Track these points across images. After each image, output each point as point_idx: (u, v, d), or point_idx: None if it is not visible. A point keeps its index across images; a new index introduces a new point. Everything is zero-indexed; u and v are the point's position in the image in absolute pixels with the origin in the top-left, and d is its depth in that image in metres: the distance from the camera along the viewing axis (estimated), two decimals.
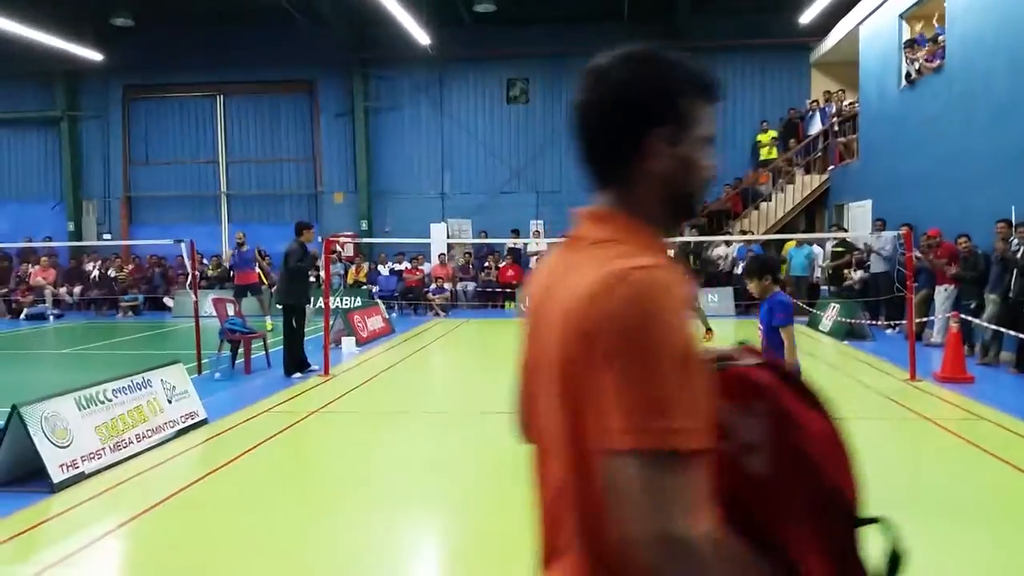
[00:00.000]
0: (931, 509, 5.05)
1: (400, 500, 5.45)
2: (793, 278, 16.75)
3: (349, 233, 22.18)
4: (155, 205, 23.86)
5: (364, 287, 19.51)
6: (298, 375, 10.05)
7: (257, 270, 16.68)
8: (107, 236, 23.62)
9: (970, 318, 10.01)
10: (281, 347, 10.39)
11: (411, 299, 19.21)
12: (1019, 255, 9.78)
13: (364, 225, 22.56)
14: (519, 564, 4.29)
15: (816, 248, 17.21)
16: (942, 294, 11.86)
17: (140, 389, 6.97)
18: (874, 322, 13.15)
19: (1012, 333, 9.27)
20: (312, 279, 10.70)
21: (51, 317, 19.21)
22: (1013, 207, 10.51)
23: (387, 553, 4.51)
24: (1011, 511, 5.09)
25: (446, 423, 7.83)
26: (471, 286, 19.97)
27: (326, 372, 10.15)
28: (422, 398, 9.27)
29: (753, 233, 19.31)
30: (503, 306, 19.25)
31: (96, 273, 21.03)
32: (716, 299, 17.88)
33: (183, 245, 10.99)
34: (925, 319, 11.94)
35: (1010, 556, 4.32)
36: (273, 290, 13.93)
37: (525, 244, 20.15)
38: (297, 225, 10.69)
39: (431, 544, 4.73)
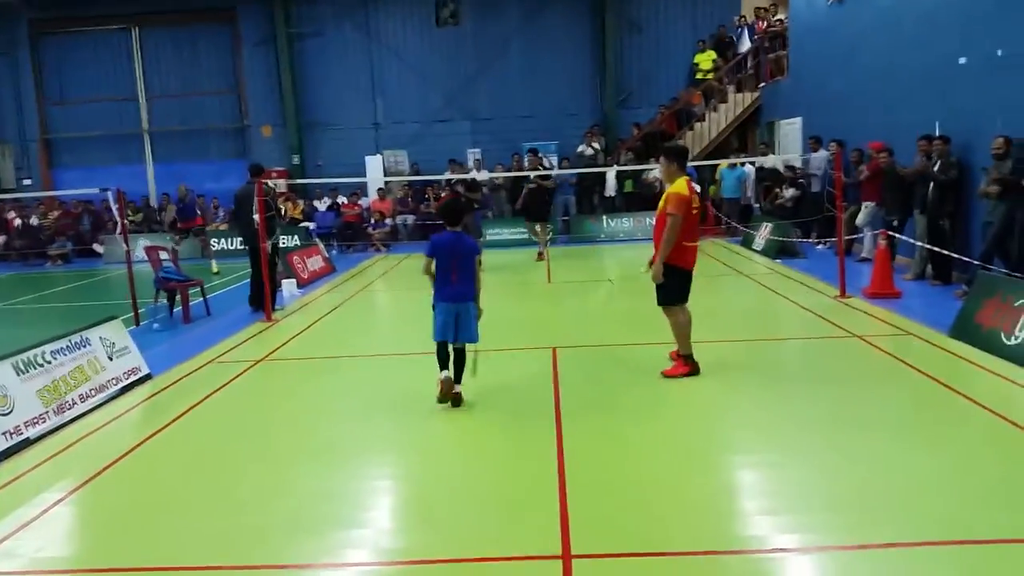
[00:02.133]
0: (858, 424, 5.33)
1: (350, 447, 5.51)
2: (725, 199, 16.98)
3: (279, 169, 21.67)
4: (76, 146, 22.88)
5: (301, 225, 19.20)
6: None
7: (199, 213, 17.42)
8: (27, 181, 22.65)
9: (896, 235, 10.37)
10: (223, 291, 10.42)
11: (350, 235, 18.97)
12: (936, 169, 10.10)
13: (296, 159, 22.05)
14: (480, 500, 4.44)
15: (748, 168, 17.42)
16: (865, 211, 12.24)
17: (79, 348, 6.82)
18: (806, 240, 13.52)
19: (928, 247, 9.66)
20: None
21: None
22: (937, 123, 10.80)
23: (339, 501, 4.59)
24: (929, 423, 5.40)
25: (391, 365, 7.87)
26: (411, 219, 19.80)
27: (268, 317, 10.06)
28: (367, 340, 9.29)
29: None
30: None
31: (19, 222, 20.21)
32: (654, 221, 18.07)
33: (110, 193, 10.61)
34: (854, 236, 12.33)
35: (927, 463, 4.62)
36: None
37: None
38: (254, 169, 10.97)
39: (383, 490, 4.82)
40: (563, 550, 3.80)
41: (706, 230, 17.79)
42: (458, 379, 6.17)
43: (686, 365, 6.63)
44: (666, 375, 6.64)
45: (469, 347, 6.21)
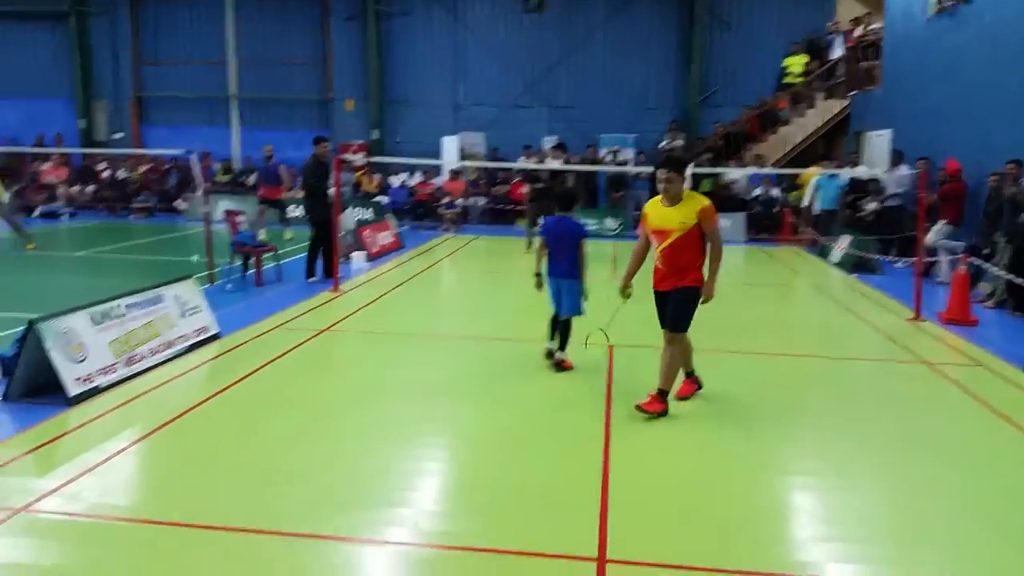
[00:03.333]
0: (915, 455, 5.19)
1: (401, 425, 5.60)
2: (824, 211, 15.69)
3: (360, 142, 22.00)
4: (166, 105, 23.65)
5: (375, 199, 19.47)
6: (315, 279, 10.83)
7: (283, 184, 17.07)
8: (118, 135, 23.51)
9: (979, 261, 9.98)
10: (294, 258, 10.76)
11: (422, 213, 19.17)
12: None
13: (376, 134, 22.36)
14: (523, 493, 4.47)
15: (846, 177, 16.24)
16: (936, 231, 11.83)
17: (153, 304, 7.09)
18: (885, 256, 13.11)
19: (1009, 277, 9.27)
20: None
21: (65, 216, 19.32)
22: None
23: (383, 479, 4.67)
24: (987, 461, 5.21)
25: (451, 346, 7.97)
26: (482, 201, 19.89)
27: (335, 288, 10.27)
28: (430, 319, 9.40)
29: (768, 158, 19.07)
30: (514, 222, 19.15)
31: (108, 174, 21.00)
32: (729, 224, 17.78)
33: (193, 156, 10.95)
34: (934, 258, 11.92)
35: (983, 499, 4.47)
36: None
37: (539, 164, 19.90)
38: (314, 140, 11.04)
39: (428, 472, 4.89)
40: (599, 553, 3.81)
41: (783, 238, 17.48)
42: (563, 347, 6.87)
43: (663, 403, 5.79)
44: (640, 407, 5.73)
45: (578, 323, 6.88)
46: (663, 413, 5.76)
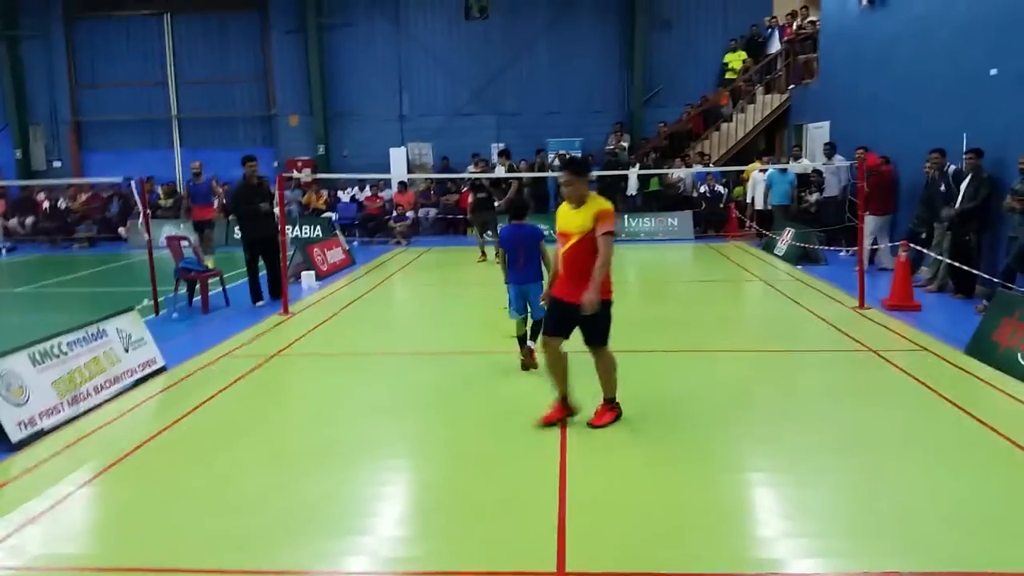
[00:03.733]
0: (867, 444, 5.29)
1: (362, 447, 5.56)
2: (776, 207, 15.98)
3: (305, 158, 21.83)
4: (106, 129, 23.17)
5: (324, 215, 19.32)
6: (261, 303, 10.68)
7: (215, 203, 15.78)
8: (57, 164, 22.98)
9: (919, 248, 10.23)
10: (239, 283, 10.62)
11: (372, 227, 19.05)
12: (968, 182, 9.92)
13: (321, 149, 22.17)
14: (480, 511, 4.46)
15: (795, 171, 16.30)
16: (870, 222, 12.08)
17: (96, 340, 6.92)
18: (829, 247, 13.37)
19: (948, 261, 9.52)
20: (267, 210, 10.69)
21: (2, 251, 18.79)
22: (965, 135, 10.63)
23: (338, 506, 4.63)
24: (937, 445, 5.34)
25: (405, 364, 7.93)
26: (432, 212, 19.84)
27: (285, 310, 10.14)
28: (384, 336, 9.34)
29: (710, 156, 19.34)
30: (465, 232, 19.12)
31: (47, 204, 20.50)
32: (676, 223, 18.00)
33: (133, 183, 10.74)
34: (876, 246, 12.18)
35: (932, 488, 4.57)
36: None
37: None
38: (241, 160, 10.80)
39: (383, 497, 4.85)
40: (557, 566, 3.81)
41: (728, 232, 17.73)
42: (533, 337, 7.01)
43: (613, 410, 5.82)
44: (594, 425, 5.72)
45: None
46: (617, 419, 5.78)
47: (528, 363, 7.13)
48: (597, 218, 5.37)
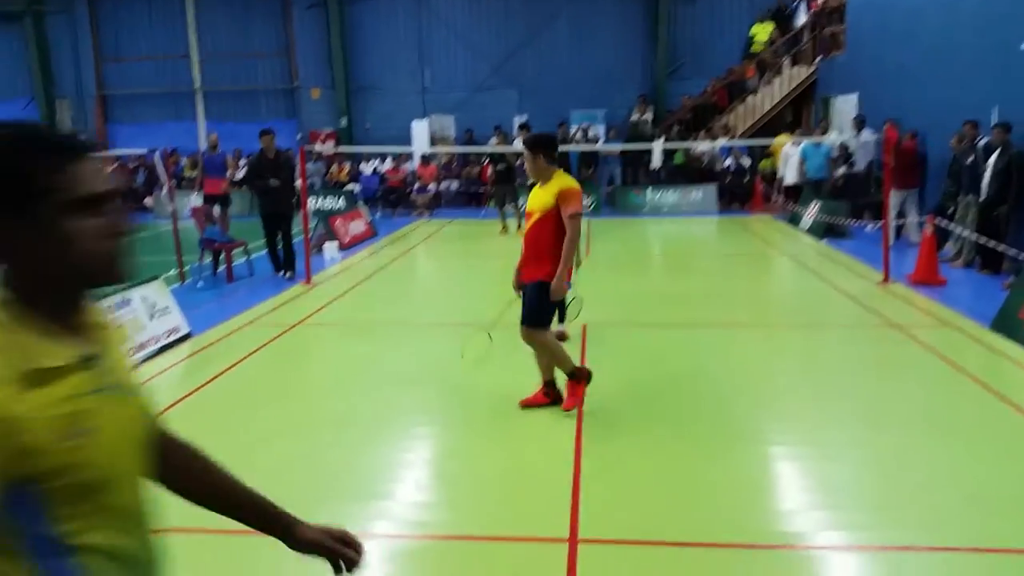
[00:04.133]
0: (887, 421, 5.27)
1: (383, 416, 5.61)
2: (811, 181, 15.31)
3: (328, 131, 21.86)
4: (131, 102, 23.35)
5: (347, 187, 19.36)
6: (286, 275, 10.55)
7: (227, 176, 14.98)
8: (82, 136, 23.14)
9: (945, 222, 10.09)
10: (263, 252, 10.69)
11: (394, 199, 19.08)
12: (996, 156, 9.74)
13: (344, 122, 22.19)
14: (497, 479, 4.50)
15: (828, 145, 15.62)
16: (894, 197, 11.89)
17: (121, 308, 7.02)
18: (855, 221, 13.20)
19: (972, 237, 9.37)
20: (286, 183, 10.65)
21: None
22: (994, 108, 10.43)
23: (371, 470, 4.70)
24: (958, 423, 5.30)
25: (424, 334, 7.97)
26: (454, 185, 19.83)
27: (308, 280, 10.22)
28: (405, 307, 9.39)
29: (736, 128, 19.12)
30: (486, 205, 19.10)
31: None
32: (700, 196, 17.86)
33: (156, 154, 10.84)
34: (903, 220, 12.02)
35: (955, 464, 4.55)
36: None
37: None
38: (259, 134, 10.66)
39: (401, 464, 4.90)
40: (571, 532, 3.85)
41: (753, 206, 17.58)
42: (562, 320, 6.90)
43: (547, 396, 5.54)
44: (524, 404, 5.56)
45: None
46: (551, 404, 5.51)
47: (560, 336, 6.98)
48: (560, 198, 5.10)
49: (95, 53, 23.11)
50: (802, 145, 15.54)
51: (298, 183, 10.50)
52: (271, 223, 10.50)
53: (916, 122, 12.66)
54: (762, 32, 20.14)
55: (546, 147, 5.27)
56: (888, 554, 3.65)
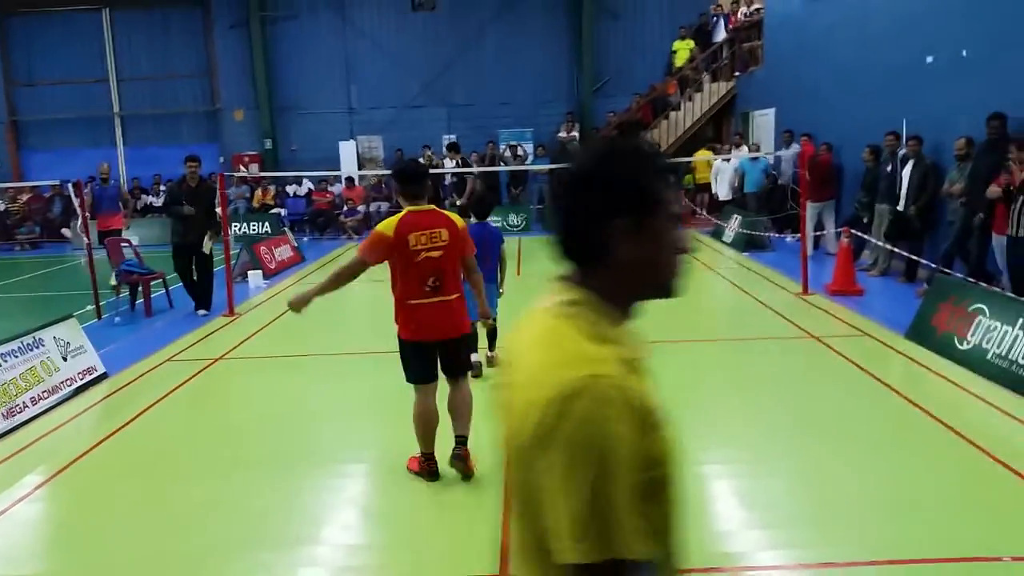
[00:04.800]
0: (807, 432, 5.39)
1: (310, 454, 5.49)
2: (750, 194, 15.45)
3: (252, 153, 21.51)
4: (45, 128, 22.52)
5: (272, 211, 19.06)
6: (202, 312, 10.02)
7: (122, 211, 13.84)
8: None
9: (860, 233, 10.42)
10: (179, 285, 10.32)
11: (322, 223, 18.83)
12: (911, 167, 10.06)
13: (268, 143, 21.84)
14: (431, 519, 4.44)
15: (770, 159, 15.54)
16: (811, 209, 12.23)
17: (32, 350, 6.74)
18: (776, 234, 13.55)
19: (893, 250, 9.70)
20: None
21: None
22: (904, 120, 10.84)
23: (296, 513, 4.59)
24: (876, 432, 5.46)
25: (355, 366, 7.84)
26: (384, 206, 19.66)
27: (231, 312, 9.97)
28: (335, 337, 9.19)
29: (660, 145, 19.44)
30: None
31: None
32: None
33: (69, 186, 10.47)
34: (822, 232, 12.37)
35: (875, 473, 4.67)
36: None
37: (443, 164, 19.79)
38: (185, 160, 10.19)
39: (328, 505, 4.81)
40: (500, 569, 3.82)
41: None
42: (491, 347, 7.08)
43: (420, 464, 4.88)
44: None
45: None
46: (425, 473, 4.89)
47: (490, 362, 7.07)
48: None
49: (5, 77, 22.27)
50: (740, 160, 15.85)
51: (219, 211, 10.21)
52: (182, 254, 9.87)
53: (830, 136, 13.08)
54: (683, 49, 20.57)
55: (400, 181, 4.73)
56: (827, 571, 3.71)
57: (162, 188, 18.92)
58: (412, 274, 4.55)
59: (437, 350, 4.71)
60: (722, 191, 16.29)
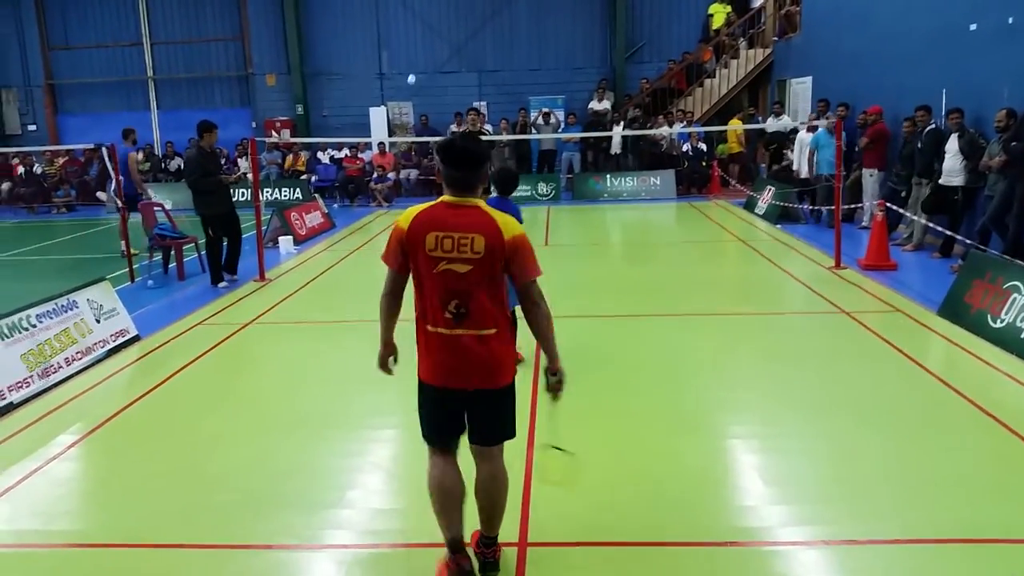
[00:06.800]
0: (835, 409, 5.34)
1: (336, 418, 5.55)
2: (823, 176, 12.57)
3: (283, 119, 21.56)
4: (81, 92, 22.78)
5: (303, 177, 19.13)
6: (223, 284, 9.82)
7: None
8: (32, 128, 22.63)
9: (896, 208, 10.22)
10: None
11: (352, 189, 18.87)
12: (960, 140, 9.76)
13: (300, 109, 21.87)
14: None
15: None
16: (868, 178, 12.03)
17: (66, 312, 6.87)
18: (809, 206, 13.32)
19: (929, 224, 9.50)
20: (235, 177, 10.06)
21: None
22: (944, 91, 10.57)
23: (322, 476, 4.65)
24: (904, 410, 5.39)
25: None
26: (414, 173, 19.66)
27: (261, 277, 10.07)
28: (363, 303, 9.12)
29: (693, 113, 19.19)
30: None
31: (22, 170, 20.16)
32: (658, 182, 17.92)
33: (104, 150, 10.58)
34: (855, 204, 12.14)
35: (902, 452, 4.63)
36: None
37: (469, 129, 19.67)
38: (198, 126, 9.62)
39: (354, 469, 4.86)
40: (520, 537, 3.85)
41: (711, 191, 17.70)
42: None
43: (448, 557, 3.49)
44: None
45: None
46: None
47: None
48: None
49: (42, 41, 22.48)
50: (818, 132, 12.81)
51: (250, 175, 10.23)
52: (217, 226, 9.67)
53: (868, 105, 12.78)
54: (720, 12, 20.18)
55: (444, 160, 3.31)
56: (850, 548, 3.69)
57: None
58: (428, 289, 3.35)
59: (461, 402, 3.43)
60: (804, 168, 13.51)
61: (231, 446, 5.12)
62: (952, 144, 9.71)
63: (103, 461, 5.03)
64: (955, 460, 4.59)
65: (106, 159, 10.76)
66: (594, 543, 3.82)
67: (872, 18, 13.32)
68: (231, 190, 10.00)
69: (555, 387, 3.53)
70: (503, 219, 3.27)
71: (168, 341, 7.52)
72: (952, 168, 9.67)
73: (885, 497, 4.14)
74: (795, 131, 14.76)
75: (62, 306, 6.87)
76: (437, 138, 18.40)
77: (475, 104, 20.96)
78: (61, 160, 20.44)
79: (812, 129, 13.11)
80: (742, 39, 19.76)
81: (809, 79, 16.39)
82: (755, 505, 4.17)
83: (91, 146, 11.75)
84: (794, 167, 14.05)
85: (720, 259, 11.57)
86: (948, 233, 9.27)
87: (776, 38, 18.91)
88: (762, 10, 19.52)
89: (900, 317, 7.53)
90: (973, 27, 10.07)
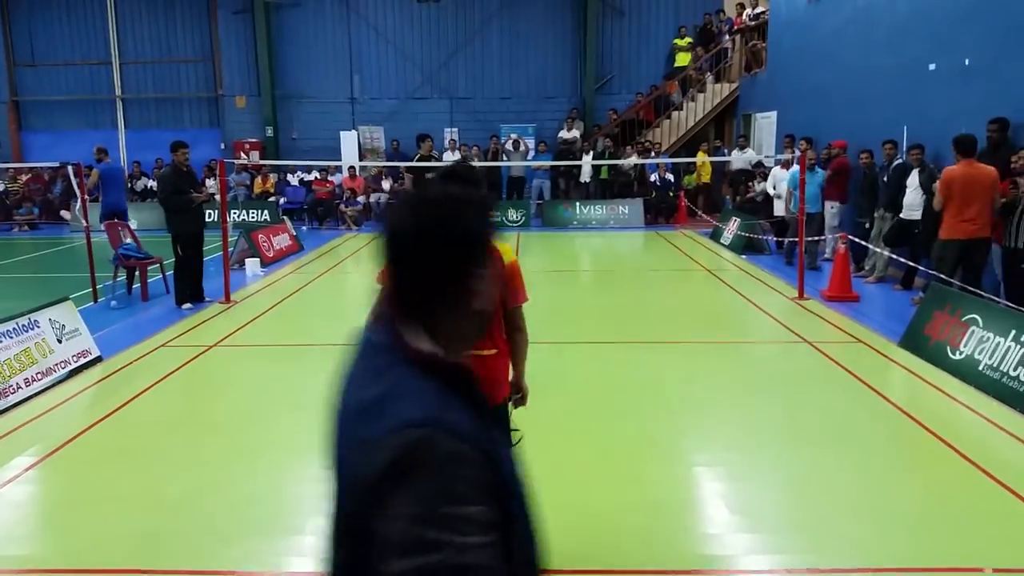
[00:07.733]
0: (794, 437, 5.41)
1: (300, 443, 5.49)
2: (809, 214, 10.86)
3: (253, 140, 21.48)
4: (46, 109, 22.48)
5: (271, 199, 19.04)
6: (188, 306, 9.63)
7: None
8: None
9: (858, 240, 10.43)
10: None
11: (321, 212, 18.80)
12: (919, 176, 10.00)
13: (269, 131, 21.80)
14: None
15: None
16: (829, 211, 12.26)
17: (27, 331, 6.76)
18: (774, 238, 13.52)
19: (892, 255, 9.70)
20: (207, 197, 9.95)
21: None
22: (905, 127, 10.85)
23: (268, 505, 4.59)
24: (865, 440, 5.47)
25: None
26: (383, 197, 19.65)
27: (227, 299, 9.97)
28: (330, 326, 9.18)
29: (660, 144, 19.48)
30: None
31: None
32: (626, 211, 18.11)
33: (70, 168, 10.46)
34: (818, 237, 12.35)
35: (863, 481, 4.69)
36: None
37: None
38: (171, 145, 9.62)
39: (317, 495, 4.81)
40: None
41: (678, 219, 17.92)
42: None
43: None
44: None
45: None
46: None
47: None
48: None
49: (7, 57, 22.21)
50: (793, 170, 12.04)
51: (217, 196, 10.16)
52: (194, 243, 9.63)
53: (831, 140, 13.06)
54: (685, 54, 20.50)
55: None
56: None
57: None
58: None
59: None
60: (780, 205, 13.25)
61: (194, 470, 5.04)
62: (913, 179, 9.96)
63: (61, 484, 4.93)
64: (917, 490, 4.68)
65: (71, 177, 10.62)
66: (555, 572, 3.81)
67: (836, 56, 13.67)
68: (203, 209, 9.88)
69: (519, 403, 3.73)
70: (501, 244, 3.15)
71: (131, 362, 7.41)
72: (912, 202, 9.91)
73: (848, 526, 4.20)
74: (760, 164, 15.06)
75: (23, 326, 6.75)
76: (406, 163, 18.55)
77: (447, 130, 21.07)
78: (24, 177, 20.14)
79: (786, 165, 13.15)
80: (709, 74, 20.13)
81: (774, 113, 16.73)
82: (719, 533, 4.20)
83: (56, 164, 11.50)
84: (775, 212, 13.75)
85: (686, 287, 11.68)
86: (911, 264, 9.46)
87: (744, 73, 19.30)
88: (729, 46, 19.91)
89: (862, 348, 7.67)
90: (932, 67, 10.38)
